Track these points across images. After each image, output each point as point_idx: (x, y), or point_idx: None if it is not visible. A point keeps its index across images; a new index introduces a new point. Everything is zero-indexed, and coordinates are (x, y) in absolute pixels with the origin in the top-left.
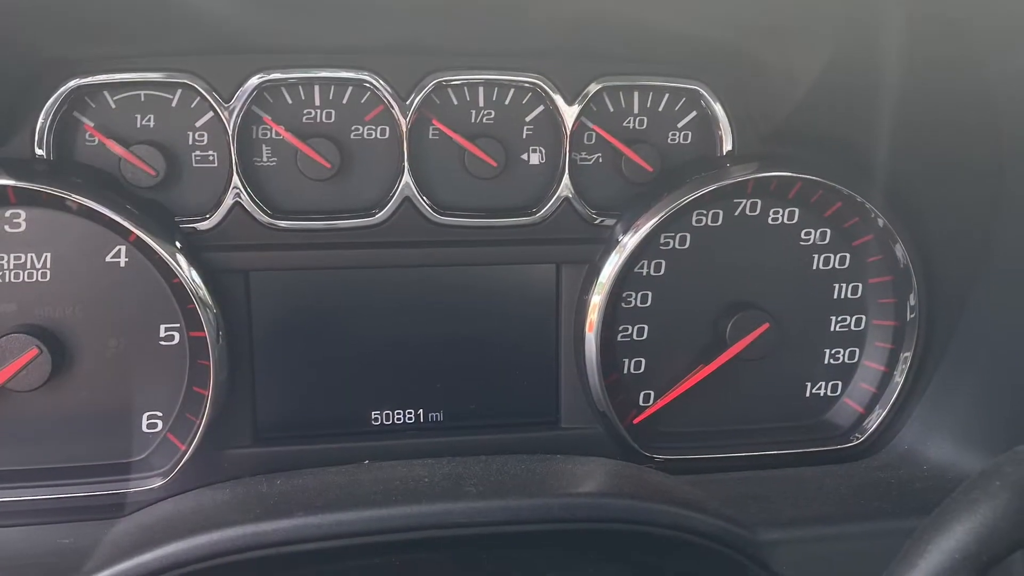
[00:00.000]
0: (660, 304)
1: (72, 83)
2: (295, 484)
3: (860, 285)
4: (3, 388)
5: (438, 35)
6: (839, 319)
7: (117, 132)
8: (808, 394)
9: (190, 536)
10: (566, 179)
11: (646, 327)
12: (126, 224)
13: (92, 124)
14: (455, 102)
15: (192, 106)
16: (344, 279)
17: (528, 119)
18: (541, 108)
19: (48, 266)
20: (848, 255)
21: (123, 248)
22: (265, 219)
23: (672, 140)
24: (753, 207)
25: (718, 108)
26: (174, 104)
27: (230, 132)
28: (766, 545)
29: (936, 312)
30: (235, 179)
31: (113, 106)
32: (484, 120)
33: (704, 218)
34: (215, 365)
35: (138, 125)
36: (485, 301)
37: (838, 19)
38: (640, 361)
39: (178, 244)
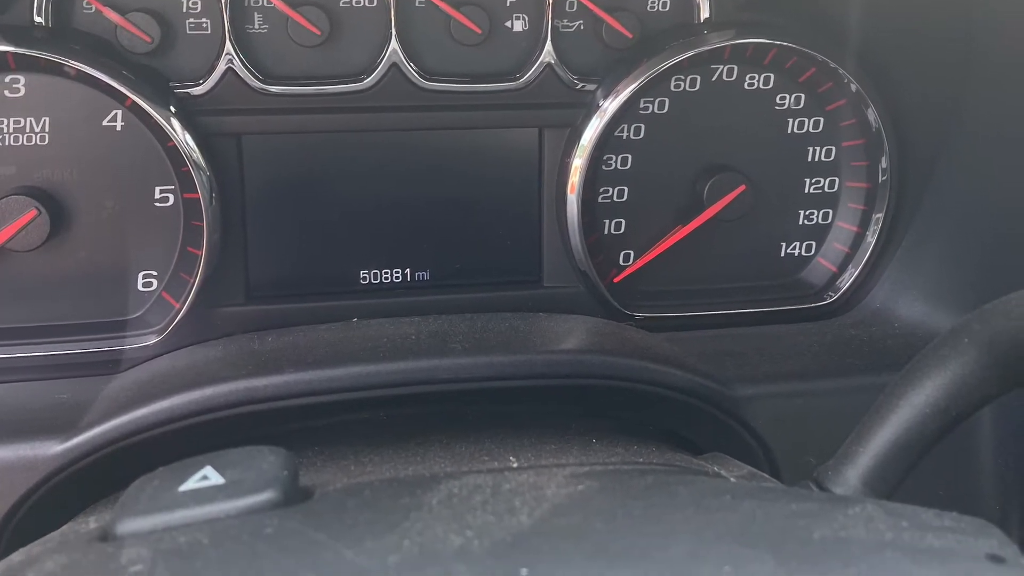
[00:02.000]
0: (640, 167)
1: None
2: (286, 341)
3: (833, 148)
4: (3, 248)
5: None
6: (813, 181)
7: None
8: (783, 254)
9: (184, 391)
10: (548, 45)
11: (626, 189)
12: (122, 89)
13: None
14: None
15: None
16: (333, 143)
17: None
18: None
19: (47, 130)
20: (822, 119)
21: (119, 112)
22: (257, 84)
23: (651, 8)
24: (730, 73)
25: None
26: None
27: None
28: (742, 400)
29: (907, 174)
30: (228, 45)
31: None
32: None
33: (682, 83)
34: (208, 226)
35: None
36: (470, 164)
37: None
38: (620, 222)
39: (172, 108)
